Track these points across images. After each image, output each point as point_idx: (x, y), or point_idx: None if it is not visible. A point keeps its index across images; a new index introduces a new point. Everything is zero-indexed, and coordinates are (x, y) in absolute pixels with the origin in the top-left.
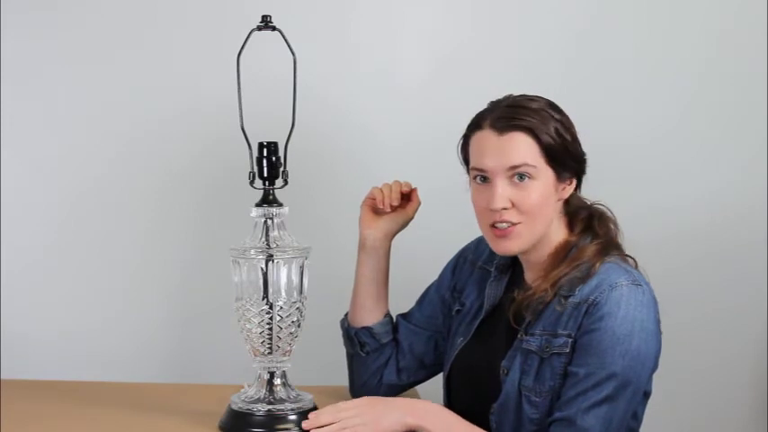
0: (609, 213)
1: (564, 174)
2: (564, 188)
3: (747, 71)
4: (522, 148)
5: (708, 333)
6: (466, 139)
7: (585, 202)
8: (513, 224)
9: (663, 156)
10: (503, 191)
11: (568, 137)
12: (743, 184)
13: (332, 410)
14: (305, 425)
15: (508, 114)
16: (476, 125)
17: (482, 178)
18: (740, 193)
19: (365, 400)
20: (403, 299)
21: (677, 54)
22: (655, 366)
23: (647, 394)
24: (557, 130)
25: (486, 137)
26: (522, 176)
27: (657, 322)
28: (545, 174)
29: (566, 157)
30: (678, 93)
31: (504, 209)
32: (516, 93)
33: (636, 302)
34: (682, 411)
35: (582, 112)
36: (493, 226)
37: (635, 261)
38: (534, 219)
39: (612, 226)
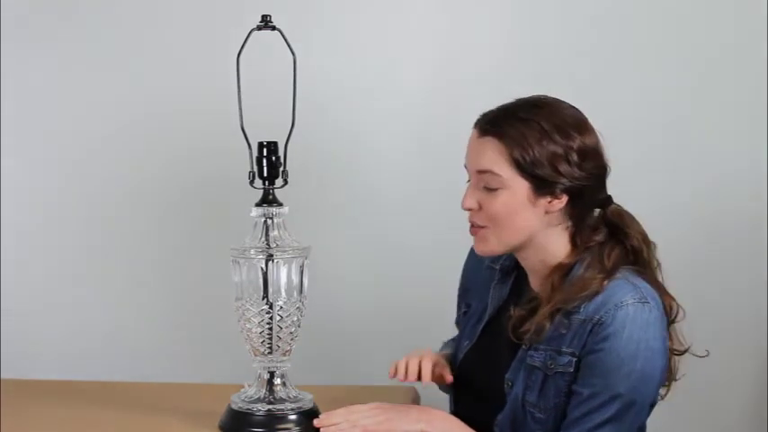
0: (628, 244)
1: (544, 188)
2: (550, 202)
3: (747, 71)
4: (489, 154)
5: (708, 333)
6: None
7: (602, 226)
8: (480, 227)
9: (663, 155)
10: (473, 192)
11: (558, 157)
12: (743, 184)
13: (344, 412)
14: (316, 422)
15: (494, 118)
16: (475, 121)
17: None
18: (741, 194)
19: (377, 404)
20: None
21: (677, 54)
22: (662, 381)
23: (652, 404)
24: (541, 147)
25: (472, 135)
26: (488, 182)
27: (664, 338)
28: (515, 184)
29: (546, 173)
30: (678, 93)
31: (471, 209)
32: (520, 95)
33: (641, 322)
34: (682, 412)
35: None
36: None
37: (653, 271)
38: (499, 227)
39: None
